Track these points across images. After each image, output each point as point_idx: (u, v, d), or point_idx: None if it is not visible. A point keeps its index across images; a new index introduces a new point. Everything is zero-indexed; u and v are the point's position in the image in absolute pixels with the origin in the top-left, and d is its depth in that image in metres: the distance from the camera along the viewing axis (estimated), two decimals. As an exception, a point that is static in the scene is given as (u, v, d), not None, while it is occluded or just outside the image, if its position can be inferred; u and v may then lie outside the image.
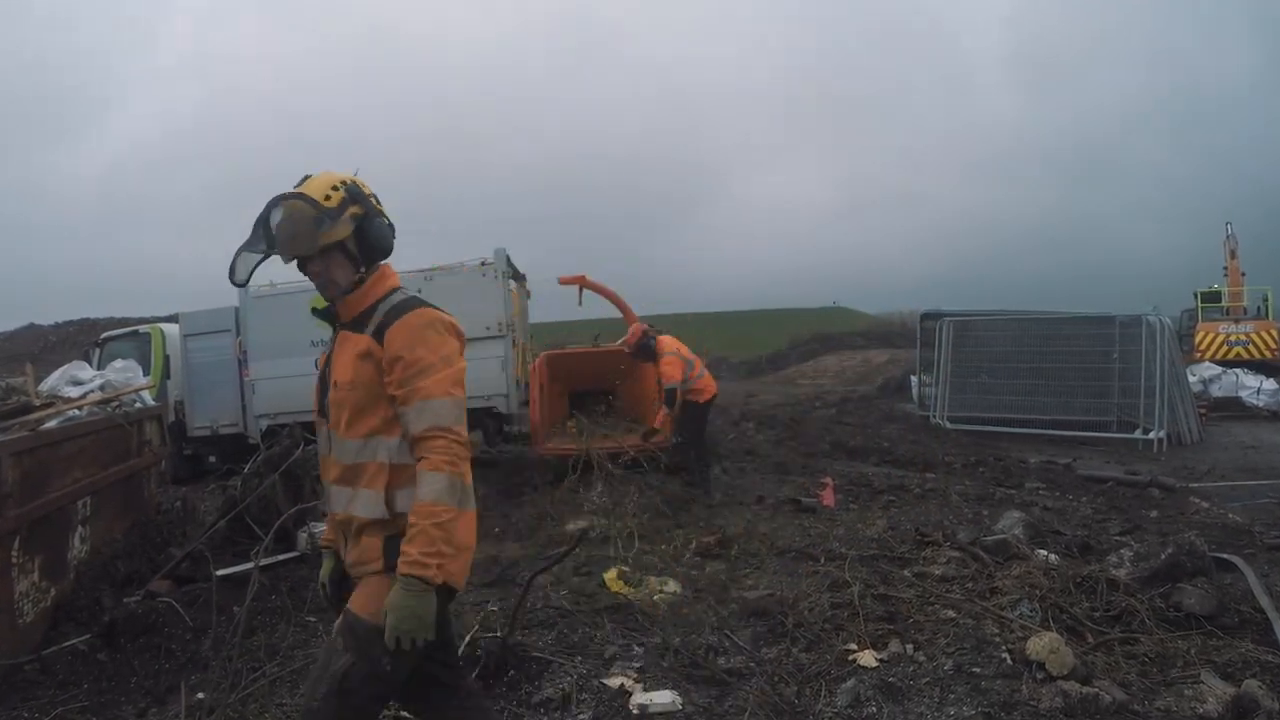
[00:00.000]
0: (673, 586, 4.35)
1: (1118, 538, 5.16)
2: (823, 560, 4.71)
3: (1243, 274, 16.87)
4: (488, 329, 9.16)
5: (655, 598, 4.14)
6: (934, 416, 12.46)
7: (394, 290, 1.99)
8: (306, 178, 1.97)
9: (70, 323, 34.97)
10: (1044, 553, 4.49)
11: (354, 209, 1.92)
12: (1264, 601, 3.62)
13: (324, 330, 1.99)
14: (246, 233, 1.95)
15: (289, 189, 1.93)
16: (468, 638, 3.20)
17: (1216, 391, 14.08)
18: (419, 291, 1.73)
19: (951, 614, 3.57)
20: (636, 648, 3.45)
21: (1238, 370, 14.58)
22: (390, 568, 1.77)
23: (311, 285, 2.00)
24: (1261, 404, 13.62)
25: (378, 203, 2.00)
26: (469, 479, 1.86)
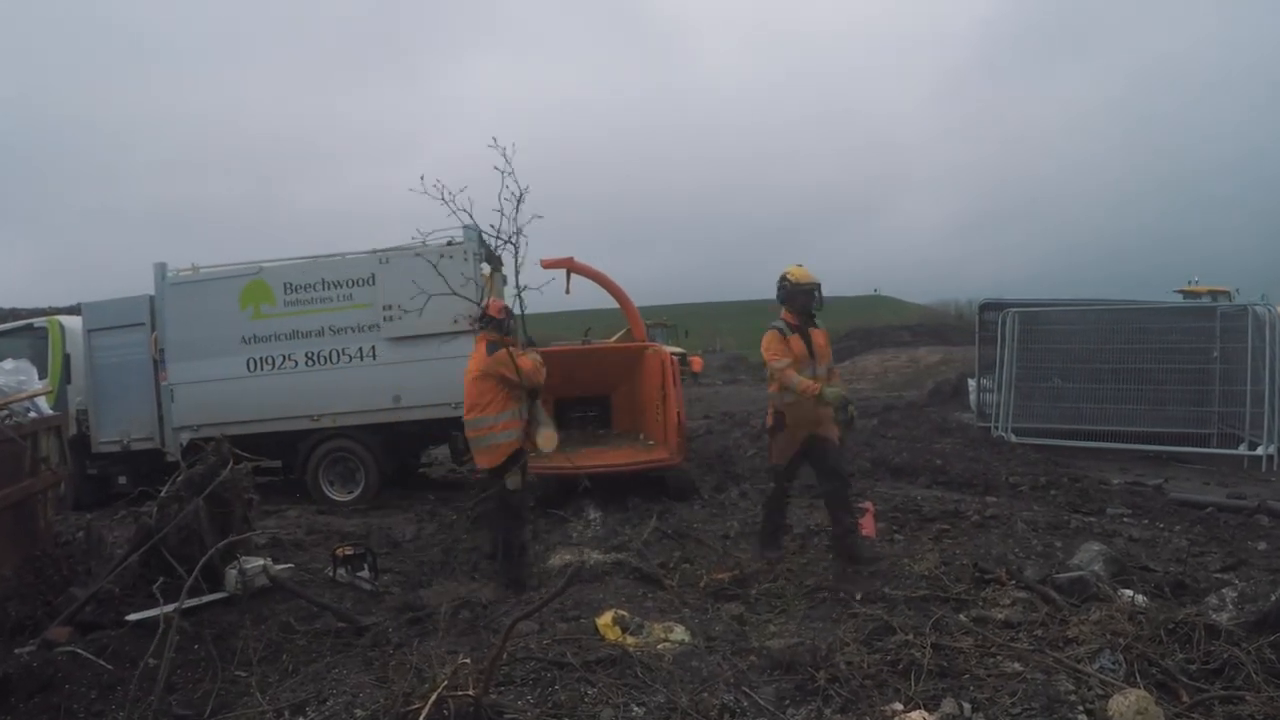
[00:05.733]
0: (680, 634, 4.35)
1: (1218, 575, 5.16)
2: (861, 602, 4.71)
3: None
4: (455, 322, 9.15)
5: (659, 647, 4.14)
6: (996, 428, 12.45)
7: None
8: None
9: (-51, 315, 34.99)
10: (1129, 593, 4.49)
11: None
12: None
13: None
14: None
15: None
16: (433, 696, 3.20)
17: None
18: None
19: (1017, 667, 3.57)
20: (636, 708, 3.45)
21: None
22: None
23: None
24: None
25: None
26: None
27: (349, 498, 9.53)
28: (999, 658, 3.69)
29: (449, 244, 9.32)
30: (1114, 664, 3.50)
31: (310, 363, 9.38)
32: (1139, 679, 3.38)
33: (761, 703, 3.48)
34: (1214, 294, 18.81)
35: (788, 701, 3.52)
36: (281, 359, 9.41)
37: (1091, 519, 7.24)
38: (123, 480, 9.83)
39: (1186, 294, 19.23)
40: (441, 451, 11.32)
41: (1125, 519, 7.35)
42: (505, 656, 3.65)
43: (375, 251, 9.40)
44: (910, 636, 3.93)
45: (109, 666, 3.97)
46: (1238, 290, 19.38)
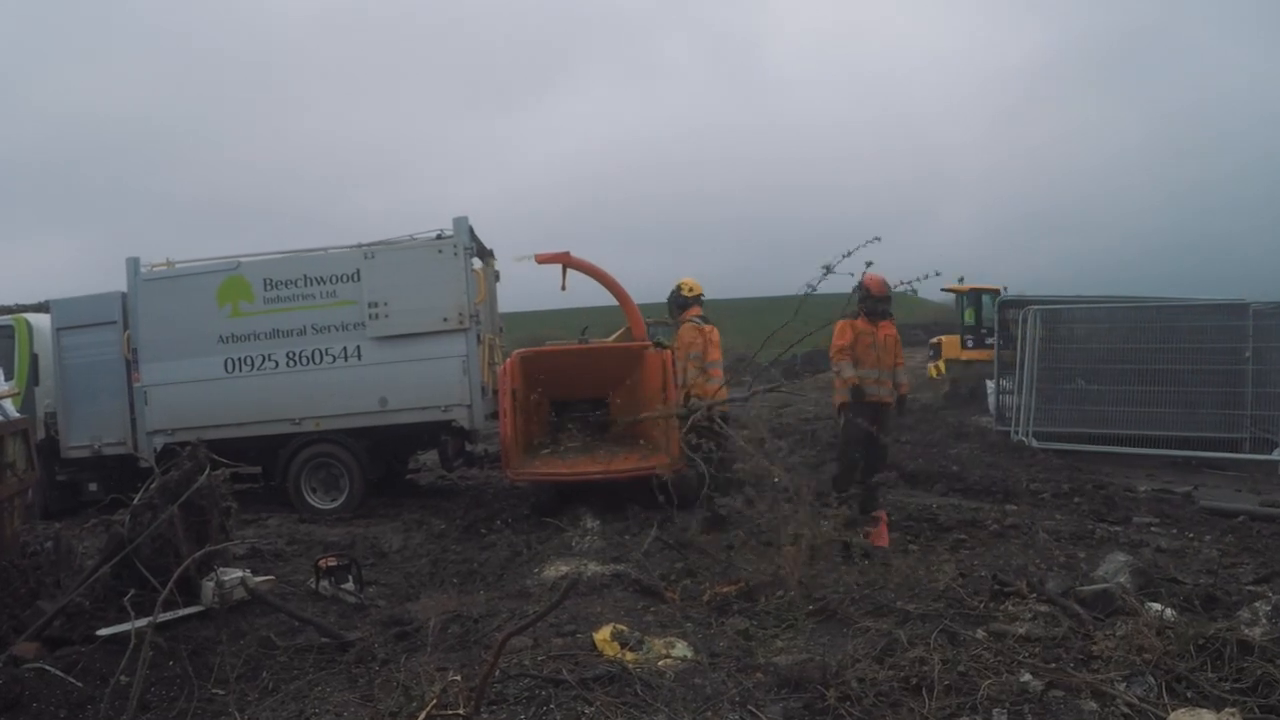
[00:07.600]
0: (681, 650, 4.34)
1: (1251, 587, 5.15)
2: (874, 617, 4.71)
3: None
4: (445, 320, 9.16)
5: (660, 664, 4.14)
6: (1016, 432, 12.46)
7: None
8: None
9: (-89, 312, 34.93)
10: (1157, 606, 4.48)
11: None
12: None
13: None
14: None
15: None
16: (422, 715, 3.20)
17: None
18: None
19: (1038, 685, 3.57)
20: (636, 728, 3.45)
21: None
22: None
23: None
24: None
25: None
26: None
27: (332, 505, 9.53)
28: (1019, 675, 3.69)
29: (439, 237, 9.33)
30: (1146, 689, 3.49)
31: (291, 363, 9.37)
32: (1167, 698, 3.38)
33: (768, 723, 3.48)
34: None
35: (796, 721, 3.52)
36: (261, 359, 9.41)
37: (1117, 528, 7.25)
38: (93, 487, 9.85)
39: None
40: (430, 457, 11.32)
41: (1153, 528, 7.35)
42: (497, 673, 3.65)
43: (360, 246, 9.39)
44: (925, 652, 3.93)
45: (79, 684, 3.99)
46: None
